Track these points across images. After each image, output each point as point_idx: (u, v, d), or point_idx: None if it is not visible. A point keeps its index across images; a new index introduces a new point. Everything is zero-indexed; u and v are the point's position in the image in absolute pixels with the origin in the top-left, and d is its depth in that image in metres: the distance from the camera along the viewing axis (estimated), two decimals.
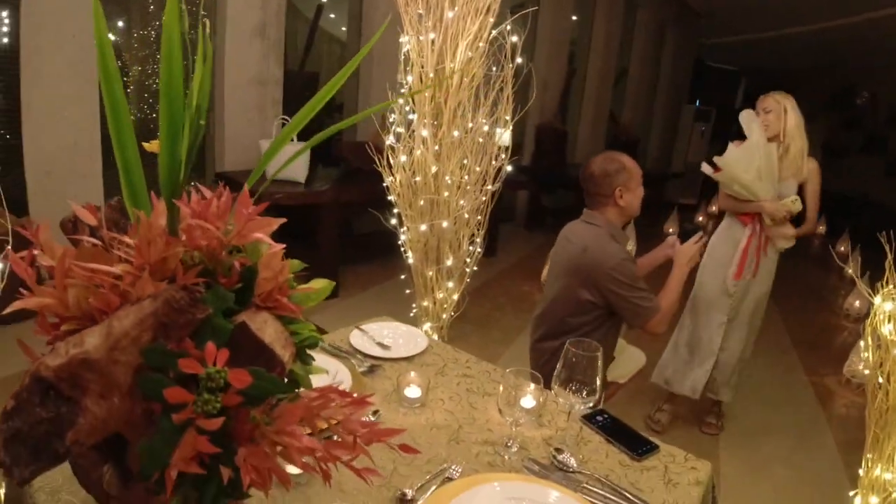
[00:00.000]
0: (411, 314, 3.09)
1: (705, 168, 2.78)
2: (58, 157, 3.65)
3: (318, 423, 0.66)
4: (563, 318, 2.13)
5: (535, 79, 7.33)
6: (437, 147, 2.64)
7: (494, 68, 2.80)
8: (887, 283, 1.70)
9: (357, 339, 1.66)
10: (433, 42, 2.56)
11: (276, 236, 0.75)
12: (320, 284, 0.82)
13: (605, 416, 1.35)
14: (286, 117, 4.01)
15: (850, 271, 6.81)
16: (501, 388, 1.20)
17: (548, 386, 1.28)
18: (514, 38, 2.73)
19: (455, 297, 3.08)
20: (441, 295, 2.95)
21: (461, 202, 2.72)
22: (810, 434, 3.10)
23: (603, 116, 8.77)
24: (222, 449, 0.58)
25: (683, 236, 2.25)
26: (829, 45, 10.34)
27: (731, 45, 12.25)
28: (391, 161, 2.74)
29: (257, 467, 0.59)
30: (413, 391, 1.35)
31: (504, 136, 2.82)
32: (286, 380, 0.70)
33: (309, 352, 0.78)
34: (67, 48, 3.53)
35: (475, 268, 3.07)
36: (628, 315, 2.08)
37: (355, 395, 0.69)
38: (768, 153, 2.63)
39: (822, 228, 9.84)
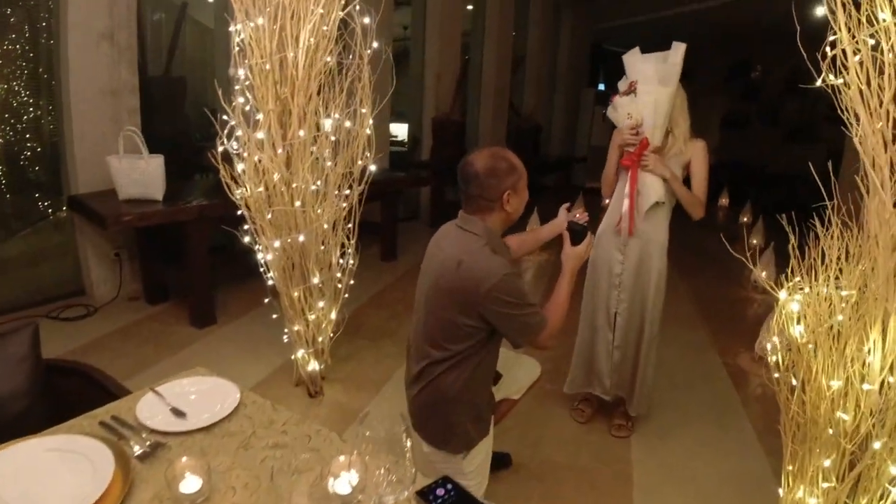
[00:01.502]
0: (285, 339, 2.73)
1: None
2: None
3: None
4: (441, 343, 1.78)
5: (427, 71, 7.11)
6: (280, 151, 2.27)
7: (351, 56, 2.48)
8: (792, 273, 1.49)
9: (147, 406, 1.29)
10: (265, 28, 2.20)
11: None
12: None
13: (449, 487, 1.04)
14: (133, 129, 3.52)
15: (755, 242, 6.96)
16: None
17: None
18: (367, 20, 2.40)
19: (333, 315, 2.74)
20: (313, 316, 2.60)
21: (318, 211, 2.37)
22: (728, 421, 2.93)
23: (503, 106, 8.59)
24: None
25: (574, 235, 1.96)
26: (723, 20, 10.59)
27: (627, 26, 12.40)
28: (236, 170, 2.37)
29: None
30: (191, 483, 1.01)
31: (365, 132, 2.49)
32: None
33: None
34: None
35: (351, 281, 2.74)
36: (514, 335, 1.79)
37: None
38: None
39: (724, 200, 10.11)
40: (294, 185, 2.28)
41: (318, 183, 2.35)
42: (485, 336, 1.77)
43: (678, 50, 2.29)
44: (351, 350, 3.33)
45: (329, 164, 2.46)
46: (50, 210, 4.17)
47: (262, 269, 2.55)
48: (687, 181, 2.46)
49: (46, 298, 3.97)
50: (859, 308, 1.41)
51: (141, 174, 3.45)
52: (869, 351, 1.34)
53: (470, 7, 7.99)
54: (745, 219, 8.47)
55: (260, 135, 2.24)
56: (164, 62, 5.12)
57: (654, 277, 2.51)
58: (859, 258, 1.47)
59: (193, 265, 3.55)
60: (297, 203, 2.31)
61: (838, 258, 1.52)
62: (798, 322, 1.43)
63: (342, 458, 1.01)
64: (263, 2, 2.20)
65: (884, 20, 1.29)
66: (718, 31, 11.77)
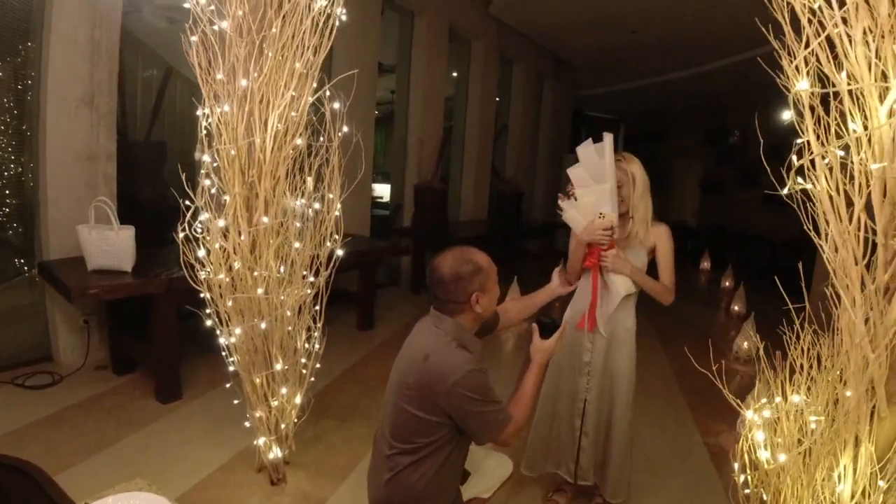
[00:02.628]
0: (247, 423, 2.63)
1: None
2: None
3: None
4: (407, 437, 1.76)
5: (410, 137, 7.21)
6: (244, 237, 2.24)
7: (322, 138, 2.49)
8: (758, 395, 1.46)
9: None
10: (229, 113, 2.20)
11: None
12: None
13: None
14: (105, 199, 3.49)
15: (736, 309, 6.97)
16: None
17: None
18: (336, 105, 2.42)
19: (297, 400, 2.65)
20: (276, 403, 2.51)
21: (282, 297, 2.32)
22: None
23: (486, 172, 8.70)
24: None
25: (544, 328, 1.94)
26: (702, 87, 10.96)
27: (607, 94, 12.79)
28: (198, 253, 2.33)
29: None
30: None
31: (333, 216, 2.48)
32: None
33: None
34: None
35: (318, 365, 2.67)
36: (477, 432, 1.76)
37: None
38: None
39: (706, 264, 10.20)
40: (256, 273, 2.24)
41: (282, 269, 2.31)
42: (450, 432, 1.75)
43: (606, 143, 2.26)
44: (318, 432, 3.22)
45: (297, 245, 2.43)
46: (25, 268, 4.10)
47: (223, 353, 2.47)
48: (653, 264, 2.45)
49: (15, 362, 3.87)
50: (834, 422, 1.37)
51: (111, 245, 3.40)
52: (840, 477, 1.30)
53: (455, 74, 8.19)
54: (727, 283, 8.53)
55: (221, 222, 2.21)
56: (147, 127, 5.15)
57: (625, 363, 2.47)
58: (831, 367, 1.44)
59: (160, 338, 3.46)
60: (260, 290, 2.26)
61: (810, 366, 1.50)
62: (765, 447, 1.39)
63: None
64: (232, 87, 2.21)
65: (854, 131, 1.29)
66: (696, 97, 12.17)
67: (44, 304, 4.01)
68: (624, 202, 2.37)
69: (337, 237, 2.53)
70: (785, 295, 1.54)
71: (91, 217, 3.50)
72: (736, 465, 1.49)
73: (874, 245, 1.31)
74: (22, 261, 4.14)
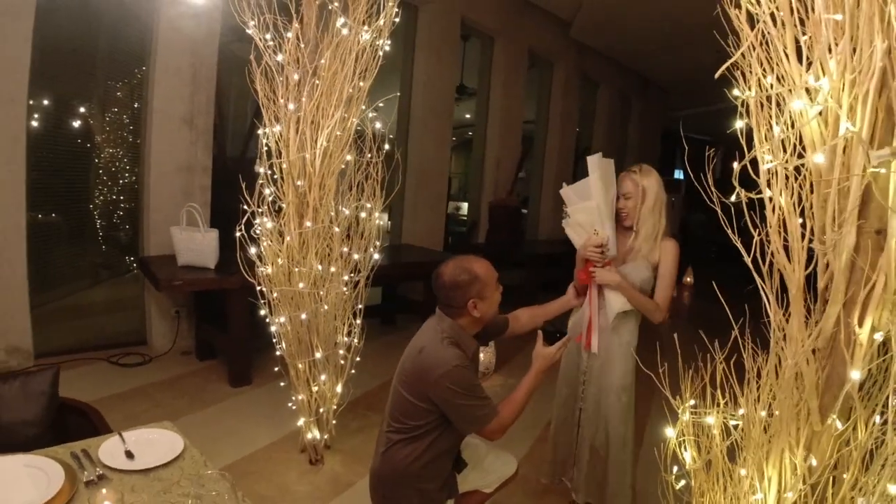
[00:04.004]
0: (291, 405, 2.95)
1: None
2: None
3: None
4: (399, 417, 2.00)
5: (488, 156, 7.44)
6: (288, 238, 2.58)
7: (369, 154, 2.79)
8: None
9: (110, 446, 1.58)
10: (282, 133, 2.55)
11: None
12: None
13: None
14: (195, 205, 3.99)
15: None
16: None
17: None
18: (378, 125, 2.72)
19: (339, 389, 2.94)
20: (316, 388, 2.81)
21: (322, 293, 2.63)
22: None
23: None
24: None
25: (548, 335, 2.11)
26: None
27: (704, 114, 12.44)
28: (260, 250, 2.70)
29: None
30: None
31: (374, 223, 2.77)
32: None
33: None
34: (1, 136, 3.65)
35: (358, 358, 2.95)
36: (459, 422, 1.94)
37: None
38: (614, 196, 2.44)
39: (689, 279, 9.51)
40: (297, 269, 2.56)
41: (320, 267, 2.61)
42: (438, 418, 1.94)
43: (590, 164, 2.34)
44: (362, 424, 3.50)
45: (345, 249, 2.74)
46: (133, 265, 4.73)
47: (274, 340, 2.81)
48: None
49: (114, 343, 4.47)
50: (769, 429, 1.45)
51: (197, 245, 3.89)
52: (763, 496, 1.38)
53: (529, 97, 8.38)
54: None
55: (269, 224, 2.56)
56: (243, 145, 5.74)
57: (617, 378, 2.45)
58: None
59: (234, 329, 3.90)
60: (301, 284, 2.58)
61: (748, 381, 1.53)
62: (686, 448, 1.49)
63: None
64: (287, 112, 2.56)
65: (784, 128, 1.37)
66: None
67: (143, 295, 4.59)
68: (629, 216, 2.40)
69: (377, 244, 2.81)
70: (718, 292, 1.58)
71: (183, 220, 4.01)
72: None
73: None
74: (131, 258, 4.78)
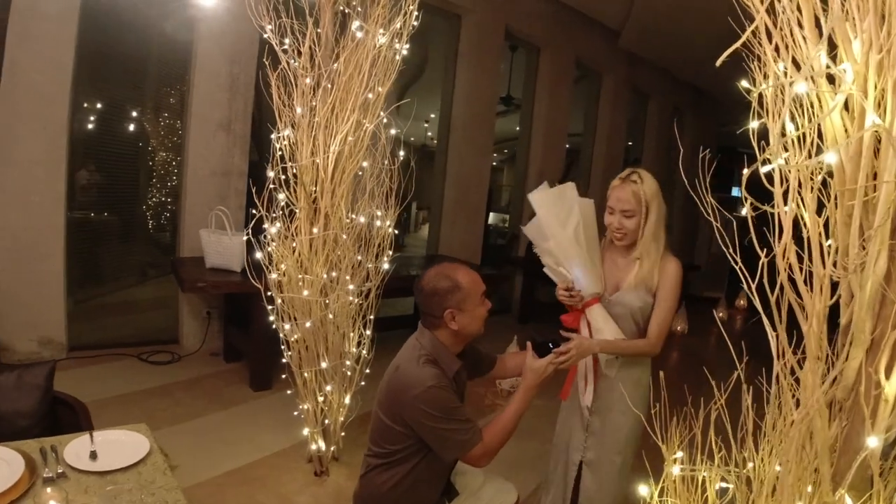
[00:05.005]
0: (298, 414, 2.90)
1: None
2: (23, 236, 3.84)
3: None
4: (378, 440, 1.86)
5: (530, 170, 7.30)
6: (294, 244, 2.54)
7: (378, 162, 2.74)
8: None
9: (77, 445, 1.58)
10: (296, 139, 2.52)
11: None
12: None
13: None
14: (223, 209, 4.04)
15: None
16: None
17: None
18: (394, 132, 2.66)
19: (347, 400, 2.88)
20: (322, 399, 2.76)
21: (327, 302, 2.57)
22: None
23: None
24: None
25: (538, 348, 1.93)
26: None
27: (765, 129, 11.91)
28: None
29: None
30: None
31: (385, 230, 2.70)
32: None
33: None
34: (41, 136, 3.78)
35: (367, 370, 2.88)
36: (437, 447, 1.76)
37: None
38: (588, 219, 2.06)
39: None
40: (301, 276, 2.51)
41: (325, 275, 2.56)
42: (417, 443, 1.79)
43: (533, 202, 2.08)
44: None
45: (358, 258, 2.69)
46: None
47: (282, 347, 2.78)
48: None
49: (148, 341, 4.56)
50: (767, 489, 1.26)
51: (224, 248, 3.92)
52: None
53: (574, 109, 8.20)
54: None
55: (274, 229, 2.53)
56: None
57: (626, 431, 2.08)
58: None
59: (256, 333, 3.90)
60: (306, 292, 2.53)
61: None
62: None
63: None
64: (295, 116, 2.53)
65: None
66: None
67: (177, 295, 4.68)
68: (627, 236, 2.01)
69: (390, 253, 2.74)
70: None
71: (211, 223, 4.05)
72: None
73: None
74: (172, 258, 4.88)
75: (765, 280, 1.23)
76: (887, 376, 1.08)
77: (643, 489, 1.36)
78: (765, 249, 1.22)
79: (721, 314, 8.08)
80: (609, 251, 2.16)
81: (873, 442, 1.04)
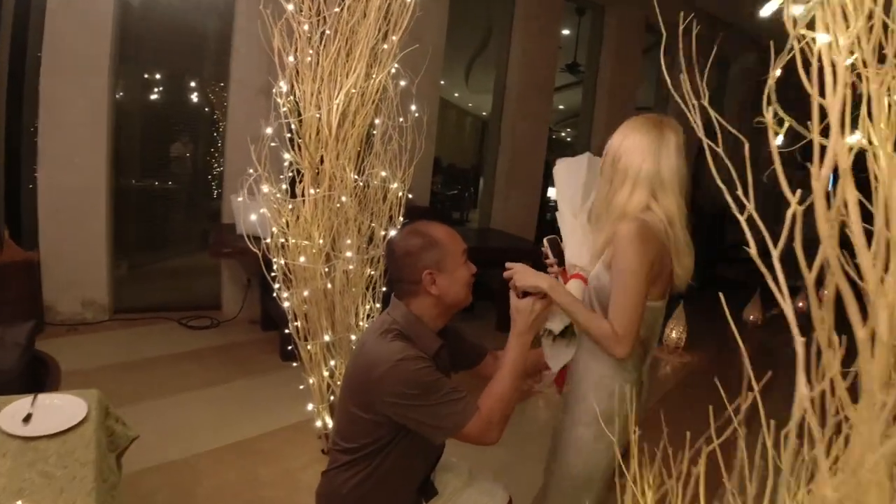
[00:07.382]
0: (301, 387, 2.76)
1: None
2: (67, 198, 3.92)
3: None
4: (342, 433, 1.57)
5: (593, 143, 6.89)
6: (290, 206, 2.36)
7: (392, 119, 2.52)
8: None
9: (17, 406, 1.50)
10: (294, 92, 2.34)
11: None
12: None
13: None
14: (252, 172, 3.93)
15: None
16: None
17: None
18: (403, 83, 2.43)
19: None
20: (326, 373, 2.60)
21: (325, 269, 2.40)
22: None
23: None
24: None
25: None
26: None
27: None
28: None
29: None
30: None
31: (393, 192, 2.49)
32: None
33: None
34: (83, 100, 3.83)
35: None
36: (424, 429, 1.44)
37: None
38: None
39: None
40: (292, 241, 2.34)
41: (321, 241, 2.38)
42: (389, 433, 1.49)
43: (554, 173, 1.85)
44: None
45: (364, 222, 2.50)
46: None
47: (288, 317, 2.64)
48: None
49: (192, 306, 4.60)
50: None
51: (254, 215, 3.83)
52: None
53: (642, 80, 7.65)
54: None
55: (265, 188, 2.37)
56: None
57: (573, 444, 1.63)
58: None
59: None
60: (302, 258, 2.36)
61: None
62: None
63: None
64: (297, 66, 2.34)
65: None
66: None
67: (220, 261, 4.67)
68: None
69: (401, 218, 2.53)
70: None
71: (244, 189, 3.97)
72: None
73: None
74: (212, 225, 4.89)
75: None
76: None
77: None
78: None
79: (801, 304, 7.38)
80: None
81: None
